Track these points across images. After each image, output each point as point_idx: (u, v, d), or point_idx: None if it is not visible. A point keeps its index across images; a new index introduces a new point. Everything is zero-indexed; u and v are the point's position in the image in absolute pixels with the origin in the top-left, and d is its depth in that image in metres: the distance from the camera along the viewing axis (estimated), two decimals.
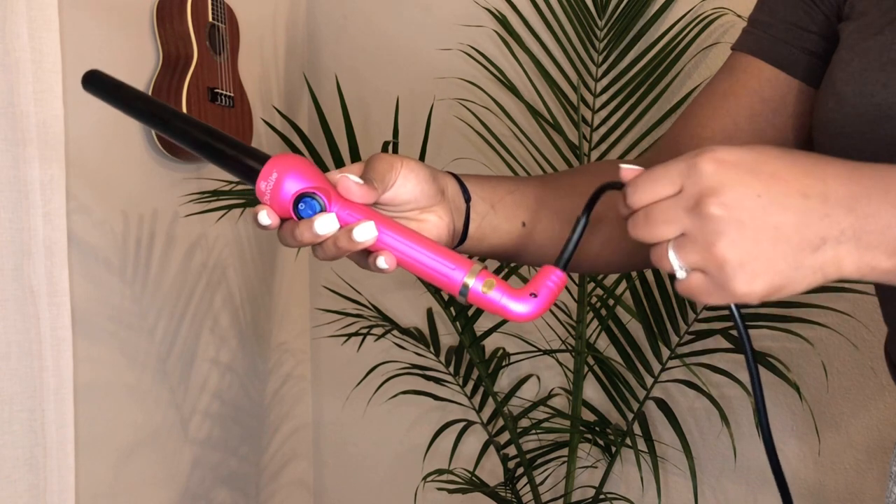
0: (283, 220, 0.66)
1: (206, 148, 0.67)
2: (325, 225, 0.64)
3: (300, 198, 0.64)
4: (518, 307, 0.64)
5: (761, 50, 0.83)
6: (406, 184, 0.68)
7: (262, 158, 0.66)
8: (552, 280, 0.64)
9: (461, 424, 1.81)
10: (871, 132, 0.71)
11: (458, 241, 0.75)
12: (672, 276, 0.57)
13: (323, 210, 0.64)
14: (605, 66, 1.85)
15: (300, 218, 0.65)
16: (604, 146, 1.83)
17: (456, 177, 0.75)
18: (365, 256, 0.67)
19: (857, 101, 0.72)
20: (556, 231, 0.78)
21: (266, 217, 0.65)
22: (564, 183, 0.82)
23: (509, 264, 1.79)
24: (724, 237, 0.53)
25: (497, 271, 1.79)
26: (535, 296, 0.63)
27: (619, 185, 0.60)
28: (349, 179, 0.65)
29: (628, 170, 0.59)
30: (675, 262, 0.55)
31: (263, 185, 0.65)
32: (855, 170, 0.55)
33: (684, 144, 0.86)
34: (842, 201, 0.54)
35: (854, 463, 1.68)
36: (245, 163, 0.66)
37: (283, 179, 0.65)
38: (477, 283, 0.64)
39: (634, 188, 0.57)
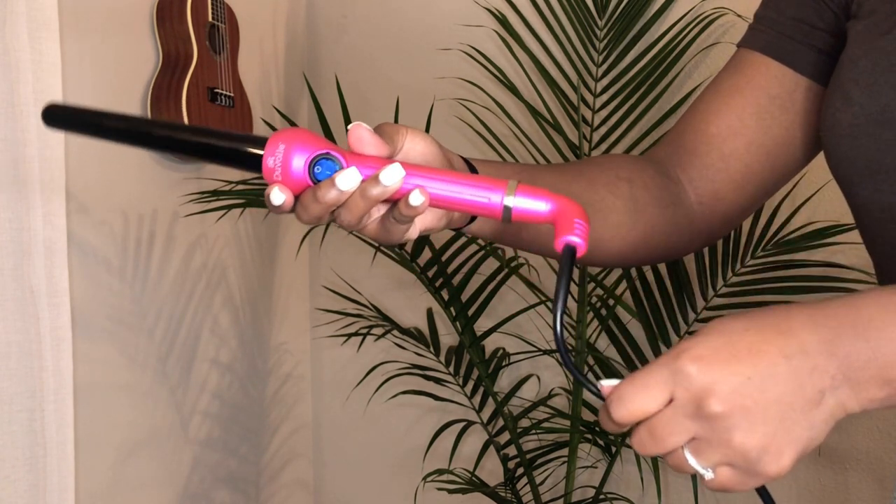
0: (297, 198, 0.63)
1: (199, 148, 0.64)
2: (348, 179, 0.60)
3: (315, 162, 0.61)
4: (569, 207, 0.60)
5: (769, 47, 0.82)
6: (415, 146, 0.66)
7: (262, 139, 0.62)
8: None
9: (461, 424, 1.81)
10: (878, 133, 0.70)
11: (467, 222, 0.73)
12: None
13: (341, 168, 0.61)
14: (605, 66, 1.85)
15: (317, 182, 0.61)
16: (604, 146, 1.83)
17: (461, 157, 0.74)
18: (392, 217, 0.63)
19: (865, 101, 0.71)
20: None
21: (279, 193, 0.61)
22: (571, 170, 0.82)
23: (510, 263, 1.79)
24: (737, 430, 0.53)
25: (491, 276, 1.79)
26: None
27: (597, 393, 0.58)
28: (362, 127, 0.62)
29: (607, 387, 0.57)
30: (698, 467, 0.55)
31: (271, 160, 0.61)
32: (818, 314, 0.55)
33: (690, 141, 0.85)
34: (819, 349, 0.54)
35: (854, 464, 1.68)
36: (244, 149, 0.63)
37: (293, 148, 0.61)
38: (519, 200, 0.60)
39: (620, 401, 0.55)
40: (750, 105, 0.82)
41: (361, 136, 0.62)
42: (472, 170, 0.72)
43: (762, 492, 0.58)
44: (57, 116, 0.66)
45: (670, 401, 0.54)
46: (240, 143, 0.63)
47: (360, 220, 0.63)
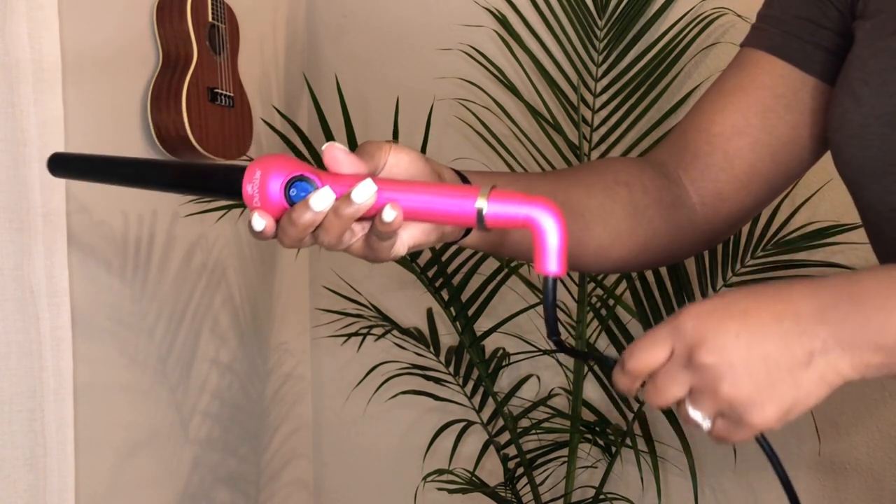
0: (278, 222, 0.64)
1: (184, 183, 0.66)
2: (321, 199, 0.61)
3: (290, 184, 0.62)
4: (545, 216, 0.59)
5: (773, 45, 0.82)
6: (399, 163, 0.65)
7: (241, 167, 0.63)
8: None
9: (461, 424, 1.81)
10: (889, 134, 0.70)
11: (461, 235, 0.72)
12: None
13: (316, 189, 0.61)
14: (605, 66, 1.85)
15: (293, 204, 0.62)
16: (604, 146, 1.83)
17: (453, 169, 0.73)
18: (373, 233, 0.63)
19: (875, 101, 0.71)
20: None
21: (259, 219, 0.62)
22: (568, 176, 0.81)
23: (510, 263, 1.79)
24: (723, 380, 0.57)
25: (491, 277, 1.79)
26: None
27: (608, 361, 0.64)
28: (335, 147, 0.62)
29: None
30: (697, 416, 0.59)
31: (250, 187, 0.63)
32: (819, 286, 0.59)
33: (692, 141, 0.85)
34: (813, 315, 0.57)
35: (855, 463, 1.68)
36: (226, 178, 0.64)
37: (269, 173, 0.62)
38: (493, 204, 0.60)
39: (630, 356, 0.60)
40: (755, 104, 0.82)
41: (335, 155, 0.62)
42: (462, 179, 0.72)
43: (761, 443, 0.61)
44: (62, 164, 0.69)
45: (671, 354, 0.59)
46: (222, 175, 0.64)
47: (339, 240, 0.63)
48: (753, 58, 0.83)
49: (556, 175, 0.82)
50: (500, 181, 0.75)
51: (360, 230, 0.64)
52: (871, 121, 0.71)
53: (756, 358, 0.57)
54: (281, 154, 0.64)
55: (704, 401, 0.58)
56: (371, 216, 0.62)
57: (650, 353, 0.60)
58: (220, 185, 0.64)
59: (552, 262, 0.59)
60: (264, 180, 0.62)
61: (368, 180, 0.60)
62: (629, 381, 0.61)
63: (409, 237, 0.65)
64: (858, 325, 0.57)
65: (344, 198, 0.61)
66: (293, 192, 0.62)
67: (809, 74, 0.81)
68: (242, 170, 0.63)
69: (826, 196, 1.64)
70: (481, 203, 0.60)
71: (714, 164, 0.83)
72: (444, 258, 1.78)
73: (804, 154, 0.83)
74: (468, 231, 0.71)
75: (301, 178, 0.62)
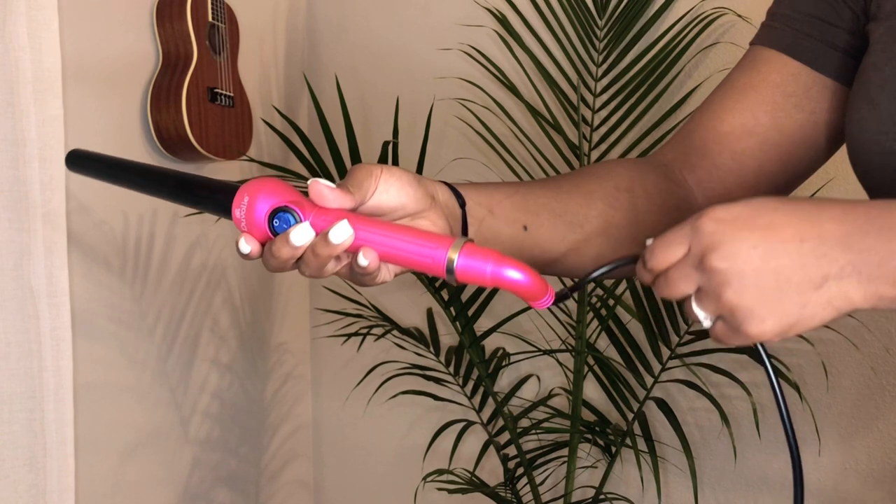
0: (264, 246, 0.64)
1: (180, 195, 0.67)
2: (300, 235, 0.62)
3: (274, 214, 0.63)
4: (514, 274, 0.61)
5: (784, 45, 0.81)
6: (389, 189, 0.66)
7: (234, 188, 0.64)
8: None
9: (461, 424, 1.81)
10: None
11: None
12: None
13: (298, 222, 0.62)
14: (605, 66, 1.85)
15: (276, 234, 0.63)
16: (604, 146, 1.83)
17: (447, 184, 0.72)
18: (353, 269, 0.64)
19: (892, 107, 0.70)
20: (560, 233, 0.76)
21: (245, 244, 0.64)
22: (566, 184, 0.80)
23: None
24: (729, 287, 0.57)
25: None
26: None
27: (629, 260, 0.64)
28: (319, 184, 0.63)
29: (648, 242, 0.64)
30: (700, 314, 0.60)
31: (238, 212, 0.64)
32: (850, 210, 0.58)
33: (700, 140, 0.84)
34: (838, 240, 0.56)
35: (854, 464, 1.68)
36: (218, 197, 0.65)
37: (255, 200, 0.63)
38: (464, 259, 0.61)
39: (651, 254, 0.61)
40: (764, 102, 0.81)
41: (321, 192, 0.63)
42: (458, 195, 0.72)
43: (760, 353, 0.63)
44: (78, 161, 0.71)
45: (687, 252, 0.60)
46: (216, 195, 0.66)
47: (320, 272, 0.64)
48: (764, 56, 0.82)
49: (554, 183, 0.81)
50: (497, 193, 0.75)
51: (345, 258, 0.65)
52: (888, 127, 0.70)
53: (768, 271, 0.56)
54: (272, 179, 0.65)
55: (708, 302, 0.59)
56: (351, 251, 0.64)
57: (669, 251, 0.60)
58: (213, 205, 0.66)
59: (538, 302, 0.63)
60: (251, 206, 0.63)
61: (345, 223, 0.61)
62: (651, 276, 0.62)
63: (394, 266, 0.66)
64: (882, 257, 0.56)
65: (322, 236, 0.62)
66: (276, 222, 0.63)
67: (822, 74, 0.80)
68: (234, 190, 0.64)
69: (827, 195, 1.64)
70: (452, 255, 0.61)
71: (722, 165, 0.83)
72: None
73: (814, 154, 0.83)
74: None
75: (284, 210, 0.63)
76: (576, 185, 0.79)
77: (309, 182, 0.63)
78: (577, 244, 0.77)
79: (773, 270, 0.56)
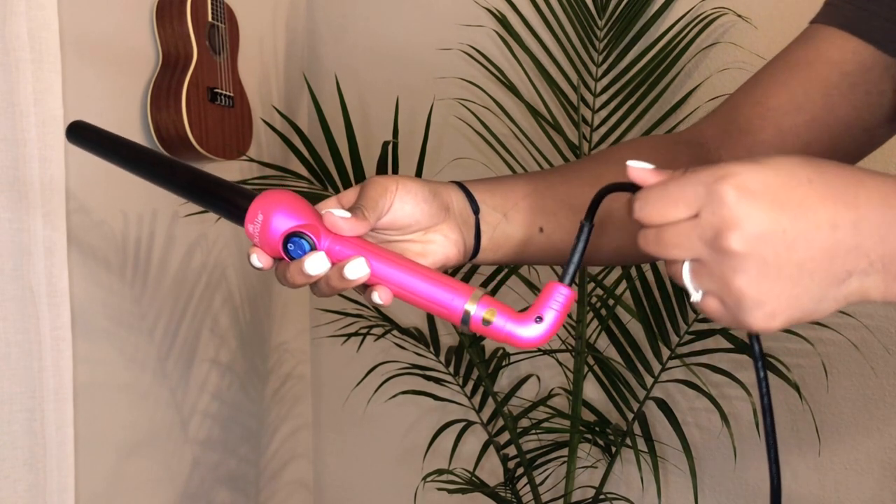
0: (277, 259, 0.64)
1: (192, 192, 0.66)
2: (315, 265, 0.61)
3: (288, 238, 0.62)
4: (524, 332, 0.60)
5: (847, 22, 0.76)
6: (404, 206, 0.65)
7: (249, 198, 0.63)
8: (557, 300, 0.60)
9: (461, 424, 1.81)
10: None
11: (471, 255, 0.70)
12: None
13: (313, 248, 0.62)
14: (605, 66, 1.85)
15: (291, 258, 0.62)
16: (604, 146, 1.83)
17: (463, 187, 0.70)
18: (364, 290, 0.64)
19: None
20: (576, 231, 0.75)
21: (258, 260, 0.64)
22: (587, 173, 0.75)
23: (509, 265, 1.78)
24: (743, 274, 0.50)
25: (491, 277, 1.79)
26: (541, 319, 0.60)
27: (626, 187, 0.56)
28: (333, 216, 0.62)
29: (637, 169, 0.54)
30: (690, 284, 0.53)
31: (251, 227, 0.63)
32: (891, 192, 0.51)
33: (744, 115, 0.79)
34: (874, 230, 0.50)
35: (854, 463, 1.68)
36: (232, 204, 0.64)
37: (270, 220, 0.62)
38: (479, 311, 0.61)
39: (644, 202, 0.53)
40: (818, 79, 0.76)
41: (335, 223, 0.62)
42: (468, 194, 0.70)
43: (752, 343, 0.56)
44: (80, 133, 0.69)
45: (694, 215, 0.51)
46: (231, 201, 0.65)
47: (333, 294, 0.64)
48: (823, 33, 0.77)
49: (573, 170, 0.76)
50: (513, 193, 0.72)
51: (360, 288, 0.65)
52: None
53: (792, 263, 0.49)
54: (286, 194, 0.64)
55: (708, 279, 0.51)
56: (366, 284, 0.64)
57: (669, 208, 0.52)
58: (224, 210, 0.65)
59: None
60: (265, 226, 0.63)
61: (361, 260, 0.61)
62: (636, 224, 0.54)
63: None
64: None
65: (337, 269, 0.61)
66: (291, 246, 0.62)
67: (886, 53, 0.74)
68: (248, 200, 0.63)
69: None
70: (470, 308, 0.61)
71: (765, 142, 0.77)
72: None
73: (866, 138, 0.77)
74: (476, 251, 0.71)
75: (299, 235, 0.62)
76: (598, 175, 0.74)
77: (322, 213, 0.62)
78: (594, 240, 0.75)
79: (797, 263, 0.49)
